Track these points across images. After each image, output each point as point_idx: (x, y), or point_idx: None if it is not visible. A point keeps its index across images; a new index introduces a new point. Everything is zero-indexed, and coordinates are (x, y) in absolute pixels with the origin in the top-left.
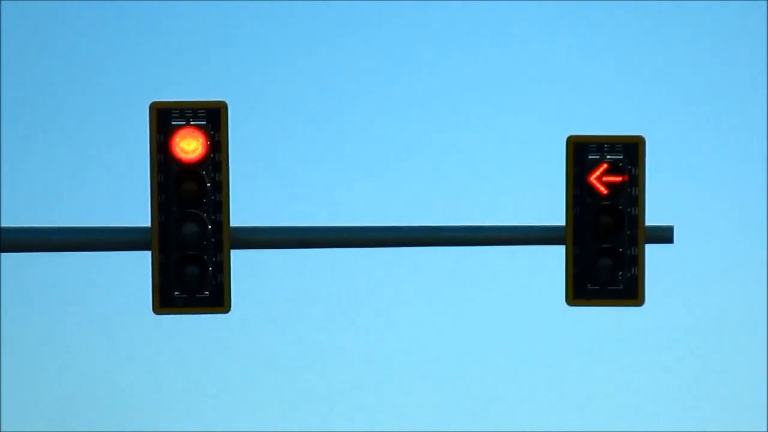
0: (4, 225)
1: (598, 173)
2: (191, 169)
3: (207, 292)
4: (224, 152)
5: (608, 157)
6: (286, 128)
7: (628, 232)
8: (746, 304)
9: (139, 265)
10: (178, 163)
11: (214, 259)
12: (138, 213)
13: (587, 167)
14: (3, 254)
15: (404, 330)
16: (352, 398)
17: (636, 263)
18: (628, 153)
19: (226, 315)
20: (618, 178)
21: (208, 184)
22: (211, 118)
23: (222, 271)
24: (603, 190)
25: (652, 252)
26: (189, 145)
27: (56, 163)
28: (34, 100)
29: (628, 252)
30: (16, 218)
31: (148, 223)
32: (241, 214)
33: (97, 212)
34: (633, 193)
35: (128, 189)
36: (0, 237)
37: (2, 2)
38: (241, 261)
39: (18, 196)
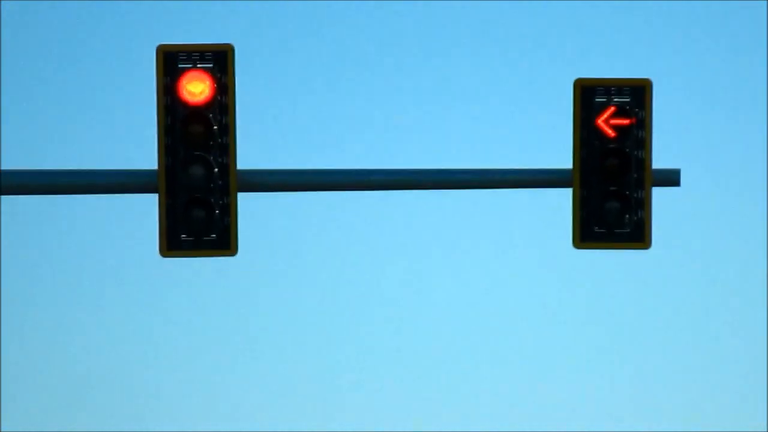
0: (8, 168)
1: (605, 116)
2: (198, 112)
3: (214, 235)
4: (231, 95)
5: (615, 100)
6: (293, 70)
7: (635, 175)
8: (752, 248)
9: (146, 208)
10: (185, 105)
11: (220, 202)
12: (145, 156)
13: (594, 110)
14: (7, 197)
15: (411, 273)
16: (357, 340)
17: (643, 206)
18: (635, 96)
19: (232, 258)
20: (625, 121)
21: (215, 127)
22: (218, 61)
23: (229, 214)
24: (610, 132)
25: (659, 195)
26: (196, 88)
27: (62, 106)
28: (40, 42)
29: (635, 195)
30: (21, 161)
31: (154, 166)
32: (247, 157)
33: (104, 155)
34: (640, 136)
35: (135, 132)
36: (4, 180)
37: None
38: (247, 204)
39: (23, 139)
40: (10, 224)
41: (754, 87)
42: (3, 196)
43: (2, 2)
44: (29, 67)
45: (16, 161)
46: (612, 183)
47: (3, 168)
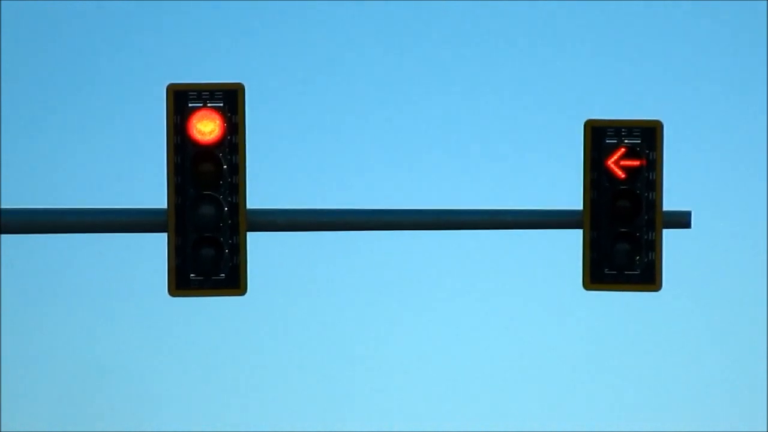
0: (17, 206)
1: (615, 157)
2: (208, 151)
3: (223, 275)
4: (241, 134)
5: (626, 141)
6: (303, 110)
7: (646, 217)
8: (763, 290)
9: (155, 247)
10: (195, 144)
11: (230, 241)
12: (154, 195)
13: (605, 151)
14: (16, 236)
15: (421, 313)
16: (367, 379)
17: (653, 248)
18: (645, 137)
19: (241, 297)
20: (635, 163)
21: (225, 166)
22: (228, 100)
23: (238, 253)
24: (620, 174)
25: (670, 237)
26: (206, 127)
27: (72, 145)
28: (52, 81)
29: (646, 237)
30: (30, 200)
31: (164, 205)
32: (257, 197)
33: (114, 194)
34: (650, 177)
35: (145, 171)
36: (14, 218)
37: None
38: (257, 243)
39: (32, 178)
40: (19, 262)
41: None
42: (12, 235)
43: (14, 39)
44: (39, 105)
45: (24, 200)
46: (622, 224)
47: (12, 206)
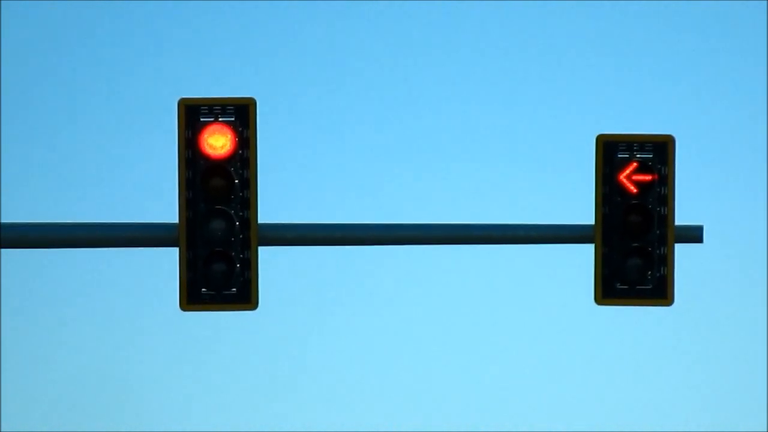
0: (27, 221)
1: (627, 172)
2: (219, 166)
3: (234, 289)
4: (252, 149)
5: (638, 156)
6: (315, 125)
7: (658, 232)
8: None
9: (167, 261)
10: (206, 159)
11: (241, 256)
12: (166, 209)
13: (616, 166)
14: (26, 250)
15: (432, 328)
16: (378, 395)
17: (665, 263)
18: (657, 152)
19: (253, 312)
20: (647, 177)
21: (236, 181)
22: (240, 115)
23: (249, 267)
24: (632, 189)
25: (682, 251)
26: (217, 142)
27: (83, 159)
28: (62, 94)
29: (658, 251)
30: (41, 214)
31: (175, 220)
32: (269, 211)
33: (125, 208)
34: (662, 192)
35: (156, 185)
36: (24, 233)
37: None
38: (268, 258)
39: (43, 192)
40: (29, 278)
41: None
42: (21, 250)
43: (23, 52)
44: (48, 119)
45: (34, 214)
46: (634, 239)
47: (21, 221)
